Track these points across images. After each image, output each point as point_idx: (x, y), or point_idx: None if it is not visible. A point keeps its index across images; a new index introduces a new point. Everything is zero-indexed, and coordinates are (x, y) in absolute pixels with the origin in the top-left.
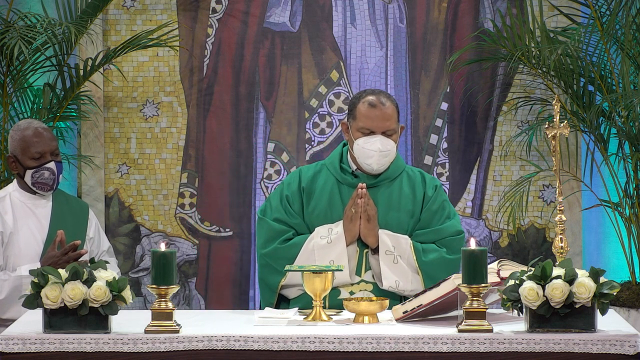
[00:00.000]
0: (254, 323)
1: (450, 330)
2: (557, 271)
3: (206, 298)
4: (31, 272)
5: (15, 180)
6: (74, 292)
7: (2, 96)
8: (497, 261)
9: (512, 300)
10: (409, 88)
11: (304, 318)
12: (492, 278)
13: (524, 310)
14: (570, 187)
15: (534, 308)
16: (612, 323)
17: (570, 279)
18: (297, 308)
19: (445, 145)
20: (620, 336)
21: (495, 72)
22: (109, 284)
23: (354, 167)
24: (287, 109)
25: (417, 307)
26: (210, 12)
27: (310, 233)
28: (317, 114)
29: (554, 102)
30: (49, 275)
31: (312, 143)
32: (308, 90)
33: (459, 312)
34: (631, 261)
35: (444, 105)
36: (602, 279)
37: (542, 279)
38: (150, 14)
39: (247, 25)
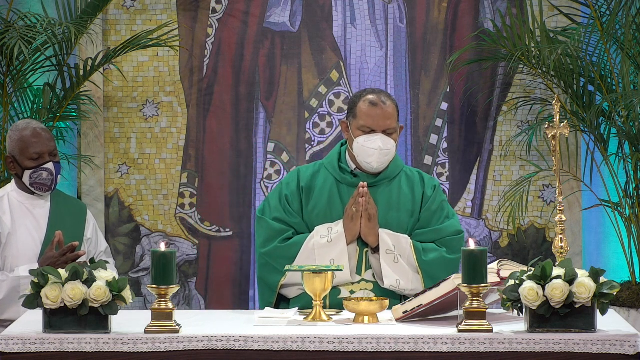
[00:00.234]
0: (254, 323)
1: (450, 330)
2: (557, 271)
3: (206, 298)
4: (31, 272)
5: (13, 181)
6: (74, 292)
7: (2, 96)
8: (497, 261)
9: (512, 300)
10: (409, 88)
11: (304, 318)
12: (492, 278)
13: (524, 310)
14: (570, 187)
15: (534, 308)
16: (612, 323)
17: (570, 279)
18: (297, 308)
19: (445, 145)
20: (620, 336)
21: (495, 72)
22: (109, 284)
23: (353, 166)
24: (287, 109)
25: (417, 307)
26: (210, 12)
27: (310, 232)
28: (317, 114)
29: (554, 102)
30: (49, 275)
31: (312, 143)
32: (308, 90)
33: (459, 312)
34: (631, 261)
35: (444, 105)
36: (602, 279)
37: (542, 279)
38: (150, 14)
39: (247, 25)
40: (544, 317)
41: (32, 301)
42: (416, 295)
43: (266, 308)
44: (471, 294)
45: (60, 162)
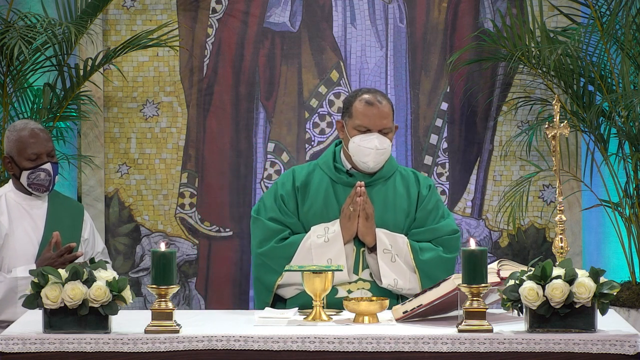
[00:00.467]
0: (254, 323)
1: (450, 330)
2: (557, 271)
3: (206, 298)
4: (31, 272)
5: (10, 181)
6: (74, 292)
7: (2, 96)
8: (497, 261)
9: (512, 300)
10: (409, 88)
11: (304, 318)
12: (492, 278)
13: (524, 310)
14: (570, 187)
15: (534, 308)
16: (612, 323)
17: (570, 279)
18: (297, 308)
19: (445, 145)
20: (620, 336)
21: (495, 72)
22: (109, 284)
23: (348, 166)
24: (287, 109)
25: (417, 307)
26: (210, 12)
27: (306, 232)
28: (317, 114)
29: (554, 102)
30: (49, 275)
31: (312, 143)
32: (308, 90)
33: (459, 312)
34: (631, 261)
35: (444, 105)
36: (602, 279)
37: (542, 279)
38: (150, 14)
39: (247, 25)
40: (544, 317)
41: (32, 301)
42: (416, 295)
43: (266, 308)
44: (471, 294)
45: (58, 162)
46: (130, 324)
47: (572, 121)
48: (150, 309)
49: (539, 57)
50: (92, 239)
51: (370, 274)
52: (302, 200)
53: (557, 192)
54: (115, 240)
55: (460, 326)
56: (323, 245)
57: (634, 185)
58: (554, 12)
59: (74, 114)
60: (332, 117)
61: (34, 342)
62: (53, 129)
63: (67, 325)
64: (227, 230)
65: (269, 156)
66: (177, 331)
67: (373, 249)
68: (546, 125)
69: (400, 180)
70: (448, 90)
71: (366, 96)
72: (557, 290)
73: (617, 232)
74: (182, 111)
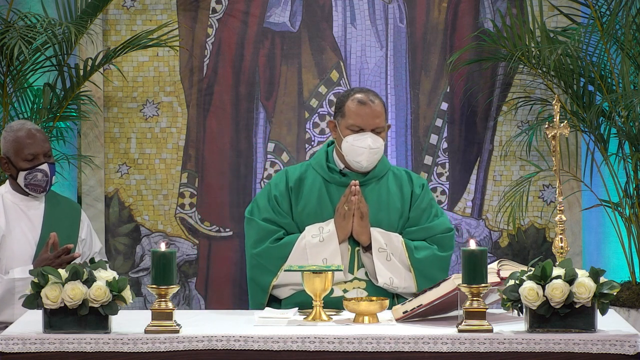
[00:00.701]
0: (254, 323)
1: (450, 330)
2: (557, 271)
3: (206, 298)
4: (31, 272)
5: (7, 182)
6: (74, 292)
7: (2, 96)
8: (497, 261)
9: (512, 300)
10: (409, 88)
11: (304, 318)
12: (492, 278)
13: (524, 310)
14: (570, 187)
15: (534, 308)
16: (612, 323)
17: (570, 279)
18: (297, 308)
19: (445, 145)
20: (620, 336)
21: (495, 72)
22: (109, 284)
23: (341, 165)
24: (287, 109)
25: (417, 307)
26: (210, 12)
27: (300, 233)
28: (317, 114)
29: (554, 102)
30: (49, 275)
31: (312, 143)
32: (308, 90)
33: (459, 312)
34: (631, 261)
35: (444, 105)
36: (602, 279)
37: (542, 279)
38: (150, 14)
39: (247, 25)
40: (544, 317)
41: (32, 301)
42: (416, 295)
43: (266, 308)
44: (471, 294)
45: (55, 163)
46: (130, 324)
47: (572, 121)
48: (150, 309)
49: (539, 57)
50: (89, 239)
51: (366, 273)
52: (295, 200)
53: (557, 192)
54: (115, 240)
55: (460, 326)
56: (318, 244)
57: (634, 185)
58: (554, 12)
59: (74, 114)
60: (332, 117)
61: (34, 342)
62: (53, 129)
63: (67, 325)
64: (227, 230)
65: (269, 156)
66: (177, 331)
67: (368, 248)
68: (546, 125)
69: (394, 179)
70: (448, 90)
71: (358, 95)
72: (557, 290)
73: (617, 232)
74: (182, 111)
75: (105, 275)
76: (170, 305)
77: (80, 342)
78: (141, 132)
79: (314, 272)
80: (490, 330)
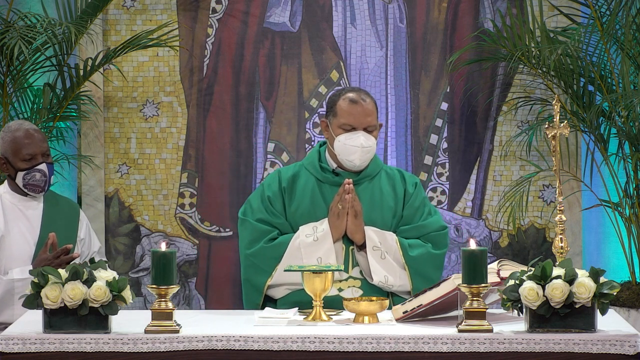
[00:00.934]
0: (254, 323)
1: (450, 330)
2: (557, 271)
3: (206, 298)
4: (31, 272)
5: (6, 182)
6: (74, 292)
7: (2, 96)
8: (497, 261)
9: (512, 300)
10: (409, 88)
11: (304, 318)
12: (492, 278)
13: (524, 310)
14: (570, 187)
15: (534, 308)
16: (612, 323)
17: (570, 279)
18: (297, 308)
19: (445, 145)
20: (620, 336)
21: (495, 72)
22: (109, 284)
23: (334, 165)
24: (287, 109)
25: (417, 307)
26: (210, 12)
27: (294, 233)
28: (317, 114)
29: (554, 102)
30: (49, 275)
31: (312, 143)
32: (308, 90)
33: (459, 312)
34: (631, 261)
35: (444, 105)
36: (602, 279)
37: (542, 279)
38: (150, 14)
39: (247, 25)
40: (544, 317)
41: (32, 301)
42: (416, 295)
43: (266, 308)
44: (471, 294)
45: (54, 163)
46: (130, 324)
47: (572, 121)
48: (150, 309)
49: (539, 57)
50: (88, 239)
51: (361, 272)
52: (289, 200)
53: (557, 192)
54: (115, 240)
55: (460, 326)
56: (312, 244)
57: (634, 185)
58: (554, 12)
59: (74, 114)
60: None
61: (34, 342)
62: (53, 129)
63: (67, 325)
64: (227, 230)
65: (269, 156)
66: (177, 331)
67: (362, 247)
68: (546, 125)
69: (386, 178)
70: (448, 90)
71: (350, 95)
72: (557, 290)
73: (617, 232)
74: (182, 111)
75: (105, 275)
76: (170, 305)
77: (80, 342)
78: (141, 132)
79: (314, 272)
80: (490, 330)
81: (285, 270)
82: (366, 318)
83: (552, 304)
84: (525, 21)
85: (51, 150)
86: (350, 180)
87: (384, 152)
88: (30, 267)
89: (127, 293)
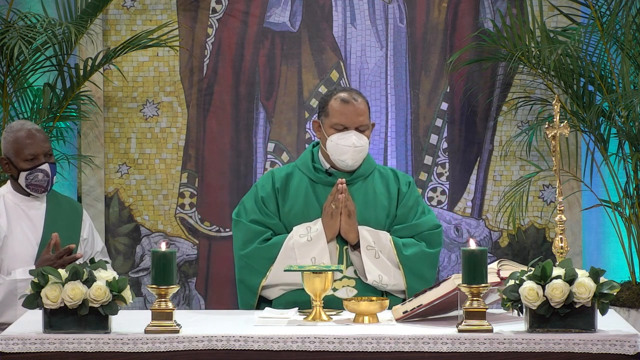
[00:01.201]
0: (254, 323)
1: (450, 330)
2: (557, 271)
3: (206, 298)
4: (31, 272)
5: (8, 182)
6: (74, 292)
7: (2, 96)
8: (497, 261)
9: (512, 300)
10: (409, 88)
11: (304, 318)
12: (492, 278)
13: (524, 310)
14: (570, 187)
15: (534, 308)
16: (612, 323)
17: (570, 279)
18: (297, 308)
19: (445, 145)
20: (620, 336)
21: (495, 72)
22: (109, 284)
23: (327, 165)
24: (287, 109)
25: (417, 307)
26: (210, 12)
27: (288, 233)
28: (317, 114)
29: (554, 102)
30: (49, 275)
31: None
32: (308, 90)
33: (459, 312)
34: (631, 261)
35: (444, 105)
36: (602, 279)
37: (542, 279)
38: (150, 14)
39: (247, 25)
40: (544, 317)
41: (32, 301)
42: (416, 295)
43: (266, 308)
44: (471, 294)
45: (56, 162)
46: (130, 324)
47: (572, 121)
48: (150, 309)
49: (539, 57)
50: (91, 239)
51: (355, 271)
52: (282, 201)
53: (557, 192)
54: (115, 240)
55: (460, 326)
56: (306, 244)
57: (634, 185)
58: (554, 12)
59: (74, 114)
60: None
61: (34, 342)
62: (53, 129)
63: (67, 325)
64: (227, 230)
65: (269, 156)
66: (177, 331)
67: (356, 247)
68: (546, 125)
69: (380, 178)
70: (448, 90)
71: (342, 94)
72: (557, 290)
73: (617, 232)
74: (182, 111)
75: (105, 275)
76: (170, 305)
77: (80, 342)
78: (141, 132)
79: (314, 272)
80: (490, 330)
81: (285, 270)
82: (366, 318)
83: (552, 304)
84: (525, 21)
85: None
86: (343, 180)
87: (384, 152)
88: (33, 268)
89: (127, 293)
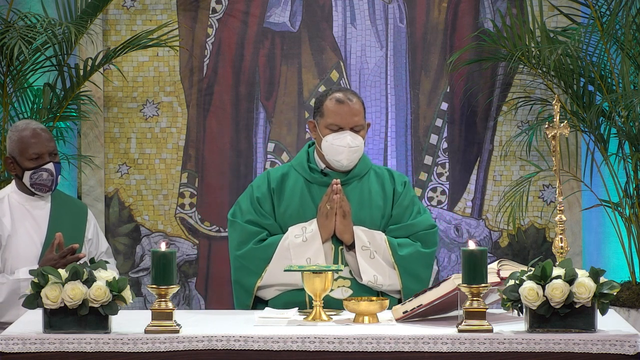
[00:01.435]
0: (254, 323)
1: (450, 330)
2: (557, 271)
3: (206, 298)
4: (31, 272)
5: (13, 182)
6: (74, 292)
7: (2, 96)
8: (497, 261)
9: (512, 300)
10: (409, 88)
11: (304, 318)
12: (492, 278)
13: (524, 310)
14: (570, 187)
15: (534, 308)
16: (612, 323)
17: (570, 279)
18: (297, 308)
19: (445, 145)
20: (620, 336)
21: (495, 72)
22: (109, 284)
23: (322, 165)
24: (287, 109)
25: (417, 307)
26: (210, 12)
27: (284, 234)
28: None
29: (554, 102)
30: (49, 275)
31: None
32: (308, 90)
33: (459, 312)
34: (631, 261)
35: (444, 105)
36: (602, 279)
37: (542, 279)
38: (150, 14)
39: (247, 25)
40: (544, 317)
41: (32, 301)
42: (416, 295)
43: (266, 308)
44: (471, 294)
45: (60, 162)
46: (130, 324)
47: (572, 121)
48: (150, 309)
49: (539, 57)
50: (95, 239)
51: (350, 272)
52: (278, 201)
53: (557, 192)
54: (115, 240)
55: (460, 326)
56: (301, 244)
57: (634, 185)
58: (554, 12)
59: (74, 114)
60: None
61: (34, 342)
62: (53, 129)
63: (67, 325)
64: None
65: (269, 156)
66: (177, 331)
67: (351, 247)
68: (546, 125)
69: (375, 178)
70: (448, 90)
71: (337, 95)
72: (557, 290)
73: (617, 232)
74: (182, 111)
75: (105, 275)
76: (170, 305)
77: (80, 342)
78: (141, 132)
79: (314, 272)
80: (490, 330)
81: (285, 270)
82: (366, 318)
83: (552, 304)
84: (525, 21)
85: None
86: (338, 180)
87: (384, 152)
88: (37, 267)
89: (127, 293)
